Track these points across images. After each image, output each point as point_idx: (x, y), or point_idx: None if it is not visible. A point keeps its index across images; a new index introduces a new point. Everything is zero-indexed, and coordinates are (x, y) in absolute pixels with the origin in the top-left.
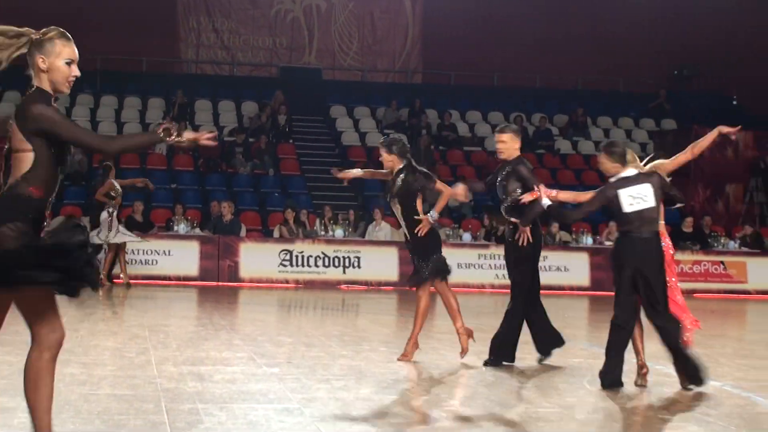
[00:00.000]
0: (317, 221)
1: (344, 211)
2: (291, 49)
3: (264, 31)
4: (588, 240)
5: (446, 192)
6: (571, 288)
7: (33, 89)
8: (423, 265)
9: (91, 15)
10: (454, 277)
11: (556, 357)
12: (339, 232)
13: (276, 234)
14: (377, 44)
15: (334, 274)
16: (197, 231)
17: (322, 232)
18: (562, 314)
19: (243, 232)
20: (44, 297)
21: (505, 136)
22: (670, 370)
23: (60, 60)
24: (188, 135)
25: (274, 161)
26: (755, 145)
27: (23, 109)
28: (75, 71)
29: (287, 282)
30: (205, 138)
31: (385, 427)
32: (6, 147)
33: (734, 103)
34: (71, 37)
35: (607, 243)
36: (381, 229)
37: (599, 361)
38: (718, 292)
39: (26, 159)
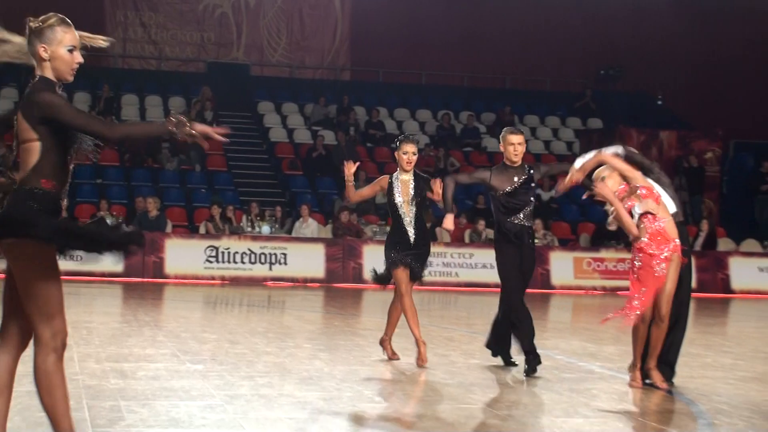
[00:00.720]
0: (244, 217)
1: (271, 207)
2: (219, 44)
3: (192, 26)
4: None
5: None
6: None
7: (36, 78)
8: (418, 266)
9: (16, 8)
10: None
11: (480, 354)
12: (266, 229)
13: (202, 230)
14: (306, 41)
15: (260, 270)
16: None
17: (249, 229)
18: (487, 311)
19: (169, 228)
20: (53, 295)
21: (523, 138)
22: (594, 366)
23: (62, 47)
24: (199, 127)
25: (200, 157)
26: (678, 144)
27: (28, 99)
28: (78, 58)
29: (213, 278)
30: (217, 133)
31: (308, 423)
32: (14, 142)
33: (659, 103)
34: (71, 23)
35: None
36: (308, 226)
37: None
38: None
39: (33, 149)
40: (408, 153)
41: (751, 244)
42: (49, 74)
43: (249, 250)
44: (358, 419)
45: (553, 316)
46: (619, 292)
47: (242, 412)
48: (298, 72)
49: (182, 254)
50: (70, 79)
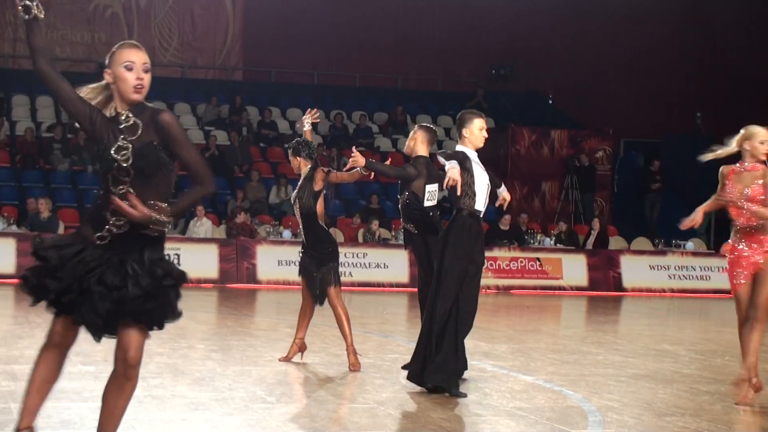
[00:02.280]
0: None
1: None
2: (110, 44)
3: (82, 27)
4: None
5: None
6: (391, 285)
7: None
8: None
9: None
10: (276, 274)
11: (373, 353)
12: None
13: None
14: (197, 41)
15: None
16: (14, 228)
17: None
18: (381, 311)
19: (61, 229)
20: None
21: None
22: (486, 365)
23: (120, 66)
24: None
25: (92, 157)
26: (570, 143)
27: None
28: (139, 74)
29: None
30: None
31: (200, 423)
32: None
33: (550, 102)
34: (138, 45)
35: None
36: (202, 225)
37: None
38: (534, 288)
39: None
40: None
41: (642, 243)
42: (116, 98)
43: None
44: (250, 420)
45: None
46: (512, 291)
47: (134, 413)
48: (190, 72)
49: None
50: (135, 97)
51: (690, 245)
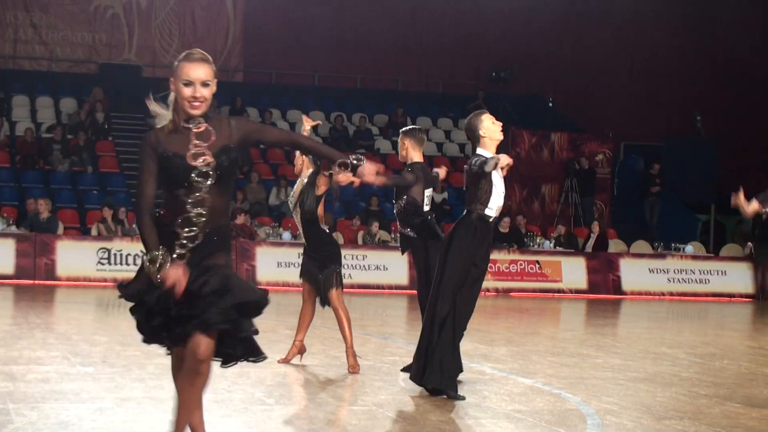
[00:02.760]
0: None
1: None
2: (110, 45)
3: (83, 27)
4: None
5: None
6: (390, 287)
7: None
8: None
9: None
10: (275, 276)
11: (373, 355)
12: None
13: (94, 232)
14: (198, 42)
15: None
16: (13, 229)
17: None
18: (381, 313)
19: (60, 230)
20: None
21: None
22: (485, 367)
23: (179, 82)
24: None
25: (92, 158)
26: (570, 146)
27: None
28: (197, 92)
29: (105, 280)
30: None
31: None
32: None
33: (550, 105)
34: (200, 58)
35: None
36: None
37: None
38: (534, 291)
39: None
40: None
41: (641, 246)
42: (178, 111)
43: (141, 251)
44: (249, 422)
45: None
46: (511, 294)
47: (133, 415)
48: None
49: (74, 256)
50: (192, 112)
51: (689, 248)
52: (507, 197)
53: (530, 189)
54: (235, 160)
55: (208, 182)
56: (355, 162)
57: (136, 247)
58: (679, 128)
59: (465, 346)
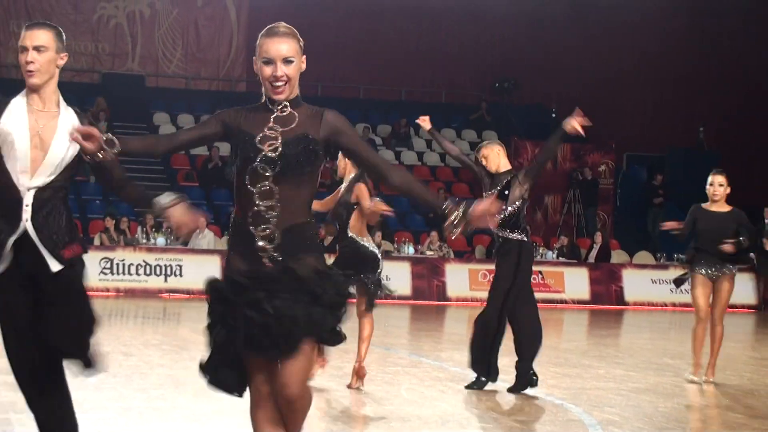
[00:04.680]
0: (139, 229)
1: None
2: (114, 55)
3: (86, 37)
4: (410, 249)
5: None
6: (392, 297)
7: None
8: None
9: None
10: None
11: (375, 366)
12: (161, 240)
13: (96, 241)
14: (201, 52)
15: (155, 282)
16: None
17: (144, 240)
18: (383, 323)
19: None
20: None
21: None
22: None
23: (259, 60)
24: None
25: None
26: (573, 157)
27: None
28: (277, 70)
29: (107, 290)
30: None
31: None
32: None
33: (553, 115)
34: (279, 31)
35: (428, 252)
36: (204, 237)
37: (418, 369)
38: (537, 301)
39: None
40: None
41: (643, 257)
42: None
43: (144, 261)
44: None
45: (449, 328)
46: None
47: (135, 425)
48: (194, 83)
49: None
50: (274, 96)
51: None
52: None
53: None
54: (309, 151)
55: (275, 171)
56: (462, 211)
57: (138, 257)
58: (682, 140)
59: (465, 357)
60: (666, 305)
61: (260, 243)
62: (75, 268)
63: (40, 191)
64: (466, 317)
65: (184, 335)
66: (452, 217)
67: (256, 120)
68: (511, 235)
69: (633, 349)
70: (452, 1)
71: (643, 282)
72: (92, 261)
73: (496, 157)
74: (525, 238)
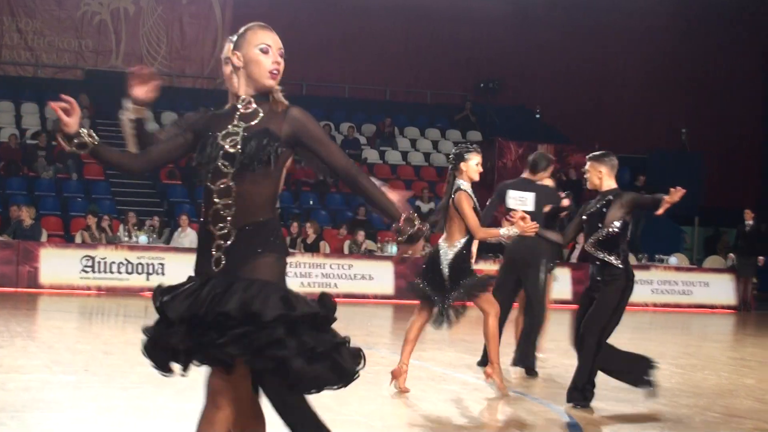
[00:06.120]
0: (121, 227)
1: (149, 217)
2: (97, 52)
3: (70, 33)
4: (393, 249)
5: None
6: (375, 296)
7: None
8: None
9: None
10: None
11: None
12: (143, 239)
13: (78, 239)
14: (186, 49)
15: (137, 280)
16: None
17: (126, 238)
18: (366, 322)
19: (44, 237)
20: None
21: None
22: (469, 377)
23: (253, 48)
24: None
25: (77, 165)
26: (556, 157)
27: None
28: (276, 58)
29: (89, 288)
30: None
31: None
32: None
33: (537, 116)
34: (270, 27)
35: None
36: (186, 236)
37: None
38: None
39: None
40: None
41: None
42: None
43: (126, 260)
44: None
45: (432, 328)
46: None
47: (115, 424)
48: (178, 81)
49: (57, 264)
50: (268, 83)
51: (673, 260)
52: (494, 208)
53: None
54: (269, 147)
55: (234, 167)
56: (410, 230)
57: (120, 255)
58: (665, 141)
59: (449, 356)
60: (647, 305)
61: (217, 242)
62: None
63: None
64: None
65: None
66: (400, 237)
67: (221, 117)
68: (608, 257)
69: None
70: (437, 2)
71: None
72: (73, 259)
73: (593, 177)
74: (627, 267)
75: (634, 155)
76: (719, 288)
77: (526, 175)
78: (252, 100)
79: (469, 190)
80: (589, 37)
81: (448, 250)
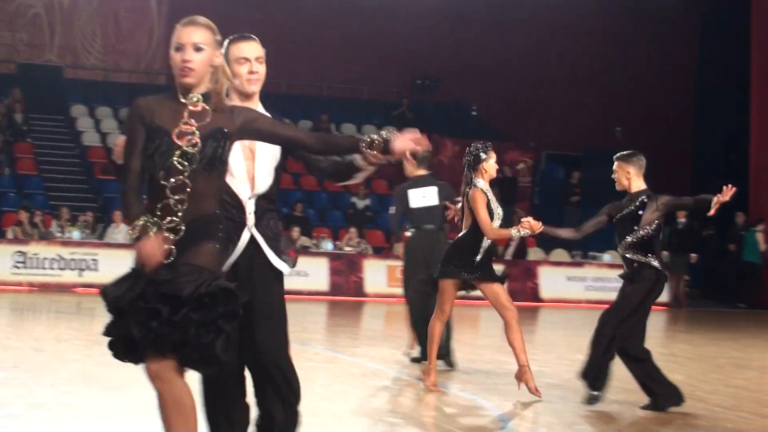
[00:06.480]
0: (54, 222)
1: (82, 212)
2: (31, 45)
3: (3, 26)
4: (328, 245)
5: None
6: (310, 293)
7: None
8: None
9: None
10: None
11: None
12: (76, 234)
13: (10, 235)
14: (121, 44)
15: (70, 276)
16: None
17: (59, 234)
18: (300, 318)
19: (10, 234)
20: None
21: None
22: (402, 374)
23: (172, 48)
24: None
25: (9, 160)
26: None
27: None
28: (185, 55)
29: (20, 284)
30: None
31: (112, 431)
32: None
33: (473, 113)
34: (194, 20)
35: (347, 248)
36: (120, 231)
37: (333, 365)
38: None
39: None
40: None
41: (559, 254)
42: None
43: (59, 255)
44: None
45: (366, 324)
46: None
47: (44, 421)
48: (113, 75)
49: None
50: (181, 80)
51: (607, 257)
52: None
53: (455, 197)
54: (226, 146)
55: (192, 166)
56: (384, 137)
57: (52, 251)
58: (599, 139)
59: (383, 352)
60: (581, 302)
61: (165, 234)
62: None
63: None
64: (383, 313)
65: (98, 330)
66: (374, 144)
67: (169, 113)
68: (645, 259)
69: (547, 346)
70: None
71: (558, 279)
72: (5, 254)
73: (623, 177)
74: (661, 267)
75: (569, 153)
76: None
77: (422, 172)
78: (201, 98)
79: (486, 188)
80: (525, 35)
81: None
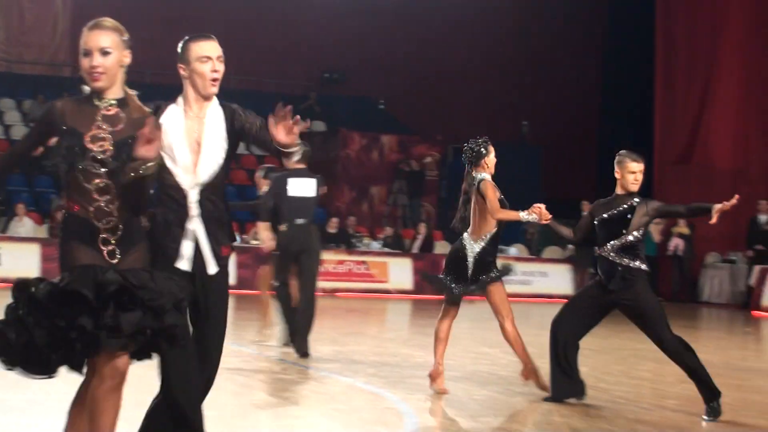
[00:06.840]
0: None
1: None
2: None
3: None
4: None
5: None
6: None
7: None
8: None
9: None
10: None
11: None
12: None
13: None
14: (25, 35)
15: None
16: None
17: None
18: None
19: None
20: None
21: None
22: (308, 367)
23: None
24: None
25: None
26: (399, 148)
27: None
28: (92, 61)
29: None
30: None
31: (12, 427)
32: None
33: (381, 107)
34: (99, 24)
35: (253, 242)
36: (23, 225)
37: (238, 359)
38: (361, 291)
39: None
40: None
41: None
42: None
43: None
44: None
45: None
46: (337, 294)
47: None
48: (17, 67)
49: None
50: (92, 84)
51: (513, 250)
52: (336, 198)
53: (359, 190)
54: (128, 156)
55: (106, 170)
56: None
57: None
58: (506, 133)
59: (287, 347)
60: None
61: (104, 235)
62: None
63: None
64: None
65: None
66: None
67: (82, 115)
68: (633, 264)
69: (452, 339)
70: None
71: None
72: None
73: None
74: (647, 268)
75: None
76: (557, 278)
77: (301, 165)
78: (115, 103)
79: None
80: (432, 29)
81: (474, 244)
